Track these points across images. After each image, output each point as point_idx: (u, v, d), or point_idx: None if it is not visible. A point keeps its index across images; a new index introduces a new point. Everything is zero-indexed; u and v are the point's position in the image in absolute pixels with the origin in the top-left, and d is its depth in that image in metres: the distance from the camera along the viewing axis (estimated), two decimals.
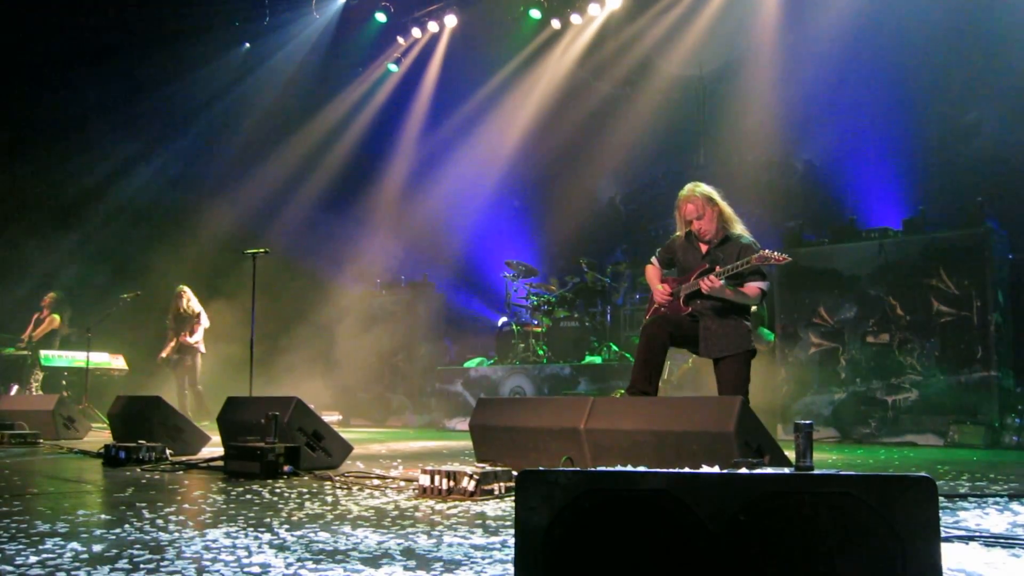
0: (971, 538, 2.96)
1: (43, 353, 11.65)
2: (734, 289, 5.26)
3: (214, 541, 3.01)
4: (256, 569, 2.57)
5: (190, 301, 11.52)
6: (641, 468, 2.03)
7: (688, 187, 5.55)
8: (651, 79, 13.47)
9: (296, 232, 14.10)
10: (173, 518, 3.54)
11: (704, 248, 5.51)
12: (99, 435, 9.19)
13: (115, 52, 13.44)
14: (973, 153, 10.30)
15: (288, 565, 2.62)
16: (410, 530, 3.26)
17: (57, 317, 11.94)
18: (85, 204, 13.56)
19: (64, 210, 13.32)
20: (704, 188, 5.51)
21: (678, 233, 5.69)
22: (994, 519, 3.43)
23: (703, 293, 5.30)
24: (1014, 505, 3.83)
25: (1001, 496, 4.09)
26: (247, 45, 15.44)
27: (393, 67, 15.48)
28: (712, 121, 13.03)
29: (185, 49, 14.27)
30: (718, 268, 5.27)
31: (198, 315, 11.49)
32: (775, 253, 5.06)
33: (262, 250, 8.55)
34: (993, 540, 2.93)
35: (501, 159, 14.38)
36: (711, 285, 5.18)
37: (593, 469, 2.09)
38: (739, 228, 5.49)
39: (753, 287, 5.28)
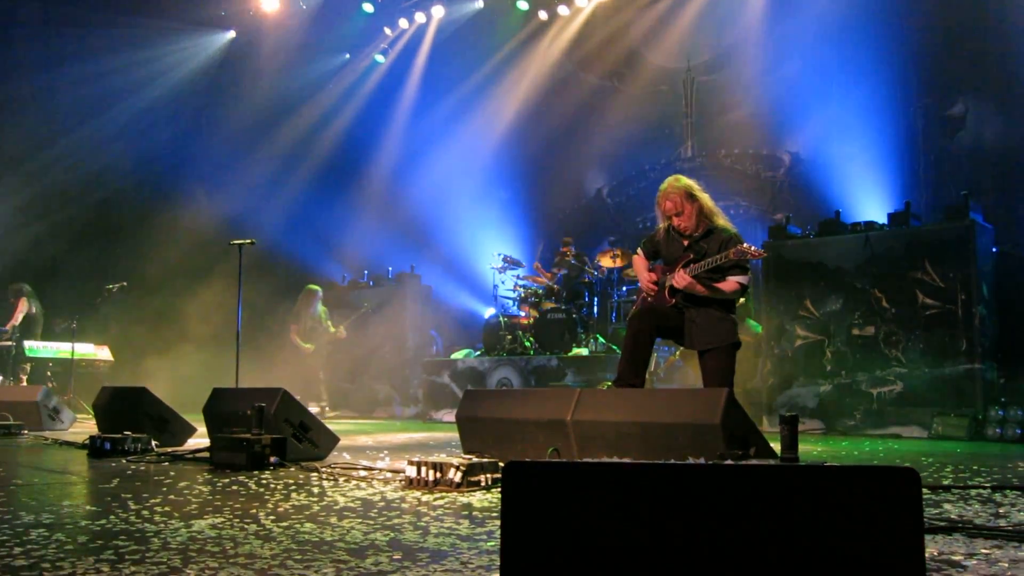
0: (954, 529, 2.98)
1: (27, 344, 11.56)
2: (707, 285, 5.24)
3: (200, 532, 3.01)
4: (242, 560, 2.56)
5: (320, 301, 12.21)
6: (627, 460, 2.04)
7: (667, 181, 5.50)
8: (638, 71, 13.48)
9: (282, 223, 14.05)
10: (159, 509, 3.53)
11: (686, 241, 5.50)
12: (84, 426, 9.14)
13: (102, 41, 13.33)
14: (958, 147, 10.37)
15: (274, 556, 2.62)
16: (396, 521, 3.26)
17: (24, 299, 11.83)
18: (70, 194, 13.46)
19: (46, 199, 13.21)
20: (684, 182, 5.45)
21: (661, 225, 5.68)
22: (977, 510, 3.46)
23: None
24: (997, 496, 3.86)
25: (984, 488, 4.12)
26: (232, 34, 15.34)
27: (380, 58, 15.43)
28: (699, 114, 13.07)
29: (170, 37, 14.17)
30: (693, 265, 5.28)
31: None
32: (752, 248, 5.06)
33: (248, 241, 8.52)
34: (976, 531, 2.95)
35: (488, 151, 14.36)
36: (682, 283, 5.19)
37: (580, 461, 2.10)
38: (721, 220, 5.47)
39: (732, 281, 5.26)
